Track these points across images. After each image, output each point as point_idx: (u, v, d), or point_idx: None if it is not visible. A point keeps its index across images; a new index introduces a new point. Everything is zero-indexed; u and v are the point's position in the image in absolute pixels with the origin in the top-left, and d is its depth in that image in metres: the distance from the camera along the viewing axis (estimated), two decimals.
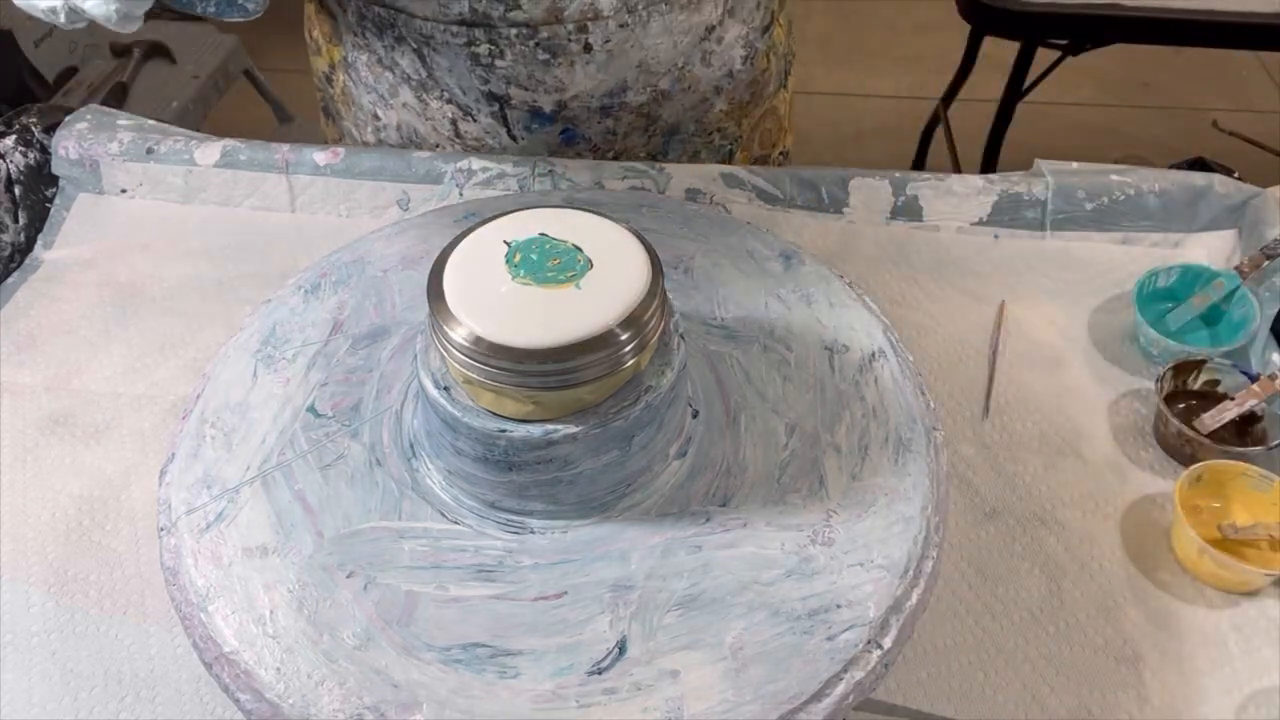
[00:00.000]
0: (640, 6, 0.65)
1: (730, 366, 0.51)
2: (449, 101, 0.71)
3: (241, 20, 0.45)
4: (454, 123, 0.72)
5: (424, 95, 0.71)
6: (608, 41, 0.65)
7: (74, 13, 0.45)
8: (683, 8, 0.67)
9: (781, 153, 0.87)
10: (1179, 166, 0.79)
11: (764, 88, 0.78)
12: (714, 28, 0.70)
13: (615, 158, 0.75)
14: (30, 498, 0.60)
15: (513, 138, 0.72)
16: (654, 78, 0.70)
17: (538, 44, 0.64)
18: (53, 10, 0.45)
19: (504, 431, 0.41)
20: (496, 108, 0.69)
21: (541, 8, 0.62)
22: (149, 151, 0.77)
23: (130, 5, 0.43)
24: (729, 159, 0.80)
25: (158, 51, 1.71)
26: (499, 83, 0.67)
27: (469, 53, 0.66)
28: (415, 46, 0.67)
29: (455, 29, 0.64)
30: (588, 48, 0.65)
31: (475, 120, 0.71)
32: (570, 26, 0.64)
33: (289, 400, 0.50)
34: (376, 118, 0.77)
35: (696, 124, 0.76)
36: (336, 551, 0.44)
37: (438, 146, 0.75)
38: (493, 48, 0.65)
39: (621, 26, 0.65)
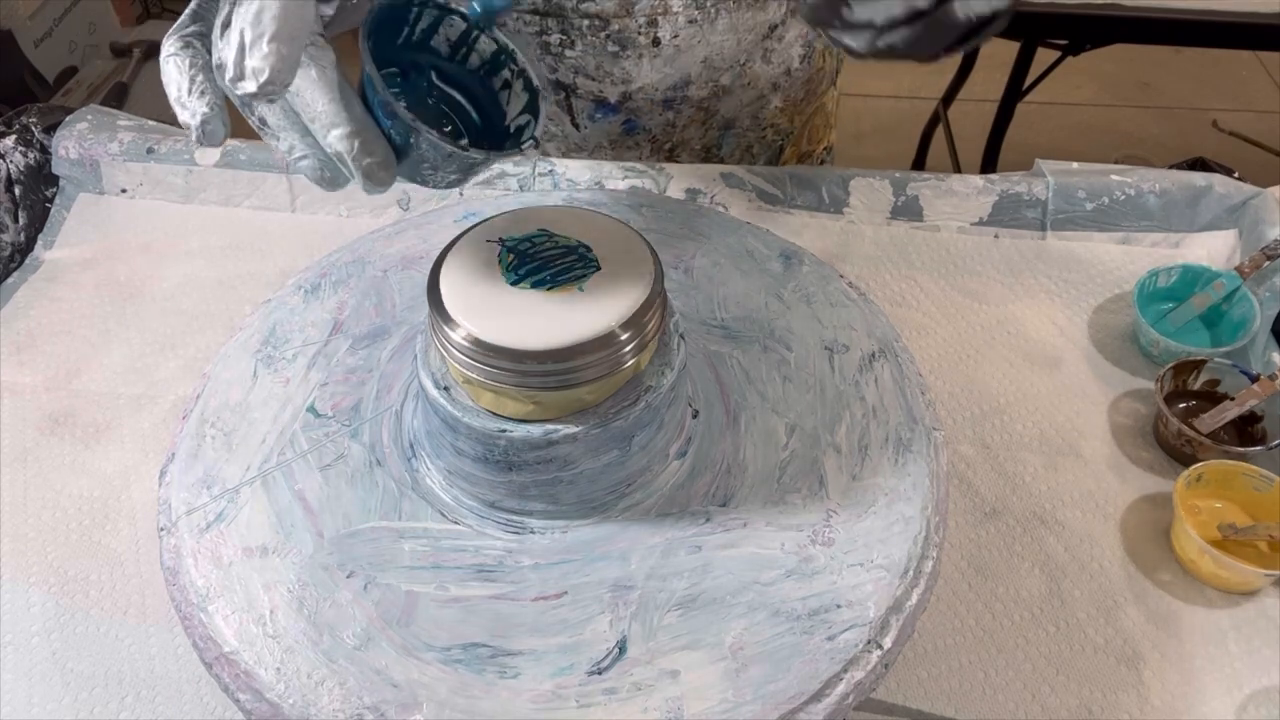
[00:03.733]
0: (709, 3, 0.66)
1: (730, 366, 0.51)
2: None
3: (445, 188, 0.44)
4: None
5: None
6: (676, 37, 0.66)
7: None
8: (750, 5, 0.68)
9: (826, 148, 0.88)
10: (1179, 166, 0.79)
11: (818, 85, 0.80)
12: (777, 26, 0.71)
13: (673, 149, 0.76)
14: (30, 498, 0.60)
15: (576, 126, 0.73)
16: (716, 73, 0.71)
17: (608, 36, 0.65)
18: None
19: (504, 431, 0.41)
20: (562, 96, 0.71)
21: (614, 1, 0.63)
22: (149, 151, 0.77)
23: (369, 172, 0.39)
24: (779, 154, 0.81)
25: (158, 51, 1.72)
26: (567, 72, 0.68)
27: (540, 41, 0.66)
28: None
29: (528, 17, 0.65)
30: (656, 42, 0.66)
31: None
32: (641, 20, 0.65)
33: (289, 400, 0.50)
34: None
35: (752, 119, 0.77)
36: (336, 551, 0.44)
37: None
38: (564, 37, 0.66)
39: (690, 22, 0.66)
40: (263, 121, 0.39)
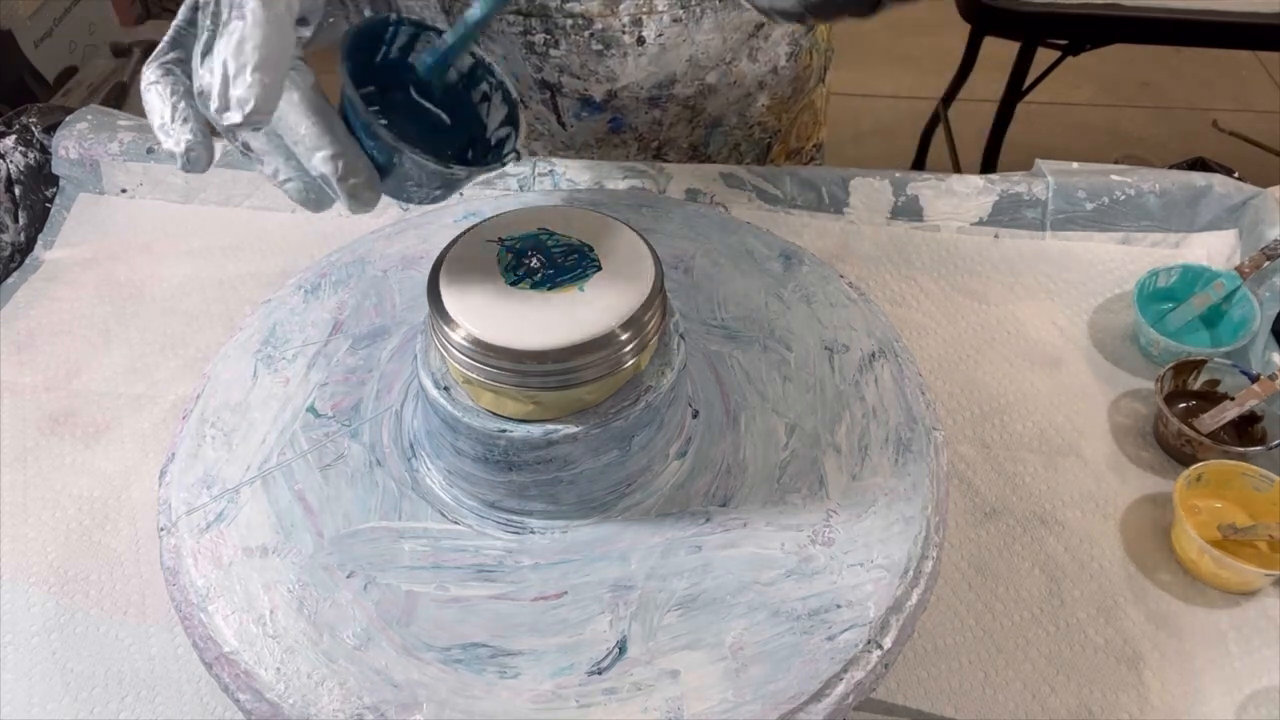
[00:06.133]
0: (694, 2, 0.66)
1: (730, 366, 0.51)
2: None
3: (434, 204, 0.45)
4: None
5: None
6: (660, 35, 0.66)
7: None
8: (735, 4, 0.67)
9: (816, 145, 0.88)
10: (1179, 166, 0.79)
11: (805, 83, 0.80)
12: (763, 24, 0.71)
13: (660, 147, 0.76)
14: (30, 498, 0.60)
15: (562, 125, 0.73)
16: (702, 71, 0.71)
17: (592, 35, 0.65)
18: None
19: (504, 431, 0.41)
20: (548, 95, 0.71)
21: (598, 0, 0.63)
22: (149, 151, 0.77)
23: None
24: (767, 152, 0.81)
25: None
26: (552, 71, 0.68)
27: (524, 41, 0.67)
28: None
29: (512, 18, 0.65)
30: (640, 41, 0.66)
31: (526, 107, 0.72)
32: (625, 20, 0.65)
33: (289, 400, 0.50)
34: None
35: (739, 117, 0.77)
36: (336, 551, 0.44)
37: None
38: (548, 37, 0.66)
39: (675, 21, 0.66)
40: (246, 147, 0.39)
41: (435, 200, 0.43)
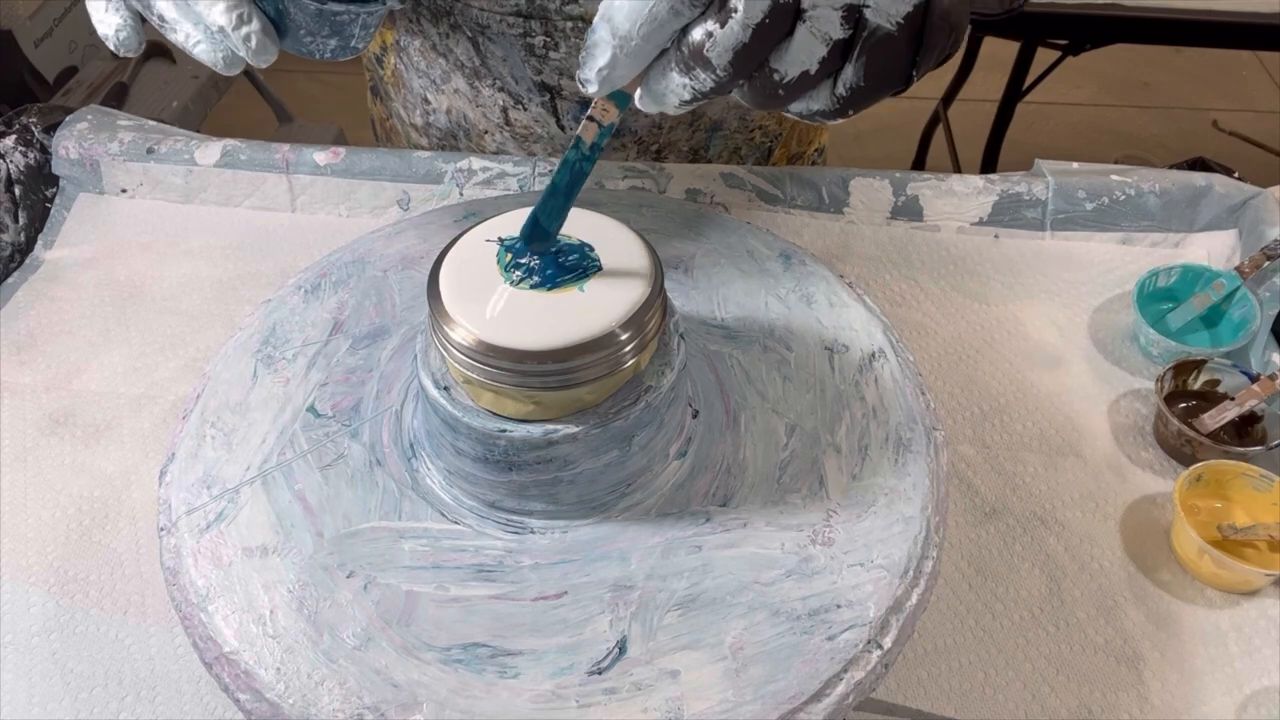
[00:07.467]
0: None
1: (730, 366, 0.51)
2: (501, 90, 0.72)
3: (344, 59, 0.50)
4: (504, 110, 0.73)
5: (476, 83, 0.72)
6: None
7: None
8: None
9: (817, 150, 0.87)
10: (1179, 166, 0.79)
11: None
12: None
13: (659, 150, 0.76)
14: (30, 498, 0.60)
15: (561, 127, 0.73)
16: None
17: None
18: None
19: (504, 431, 0.41)
20: (547, 98, 0.71)
21: (597, 2, 0.63)
22: (149, 151, 0.77)
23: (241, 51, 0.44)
24: (768, 155, 0.81)
25: (158, 51, 1.72)
26: (551, 74, 0.68)
27: (524, 43, 0.67)
28: (470, 35, 0.68)
29: (511, 20, 0.65)
30: None
31: (525, 109, 0.72)
32: None
33: (289, 400, 0.50)
34: (426, 101, 0.78)
35: (740, 120, 0.77)
36: (336, 551, 0.44)
37: (486, 133, 0.76)
38: (547, 39, 0.66)
39: None
40: (161, 18, 0.44)
41: (334, 54, 0.47)
